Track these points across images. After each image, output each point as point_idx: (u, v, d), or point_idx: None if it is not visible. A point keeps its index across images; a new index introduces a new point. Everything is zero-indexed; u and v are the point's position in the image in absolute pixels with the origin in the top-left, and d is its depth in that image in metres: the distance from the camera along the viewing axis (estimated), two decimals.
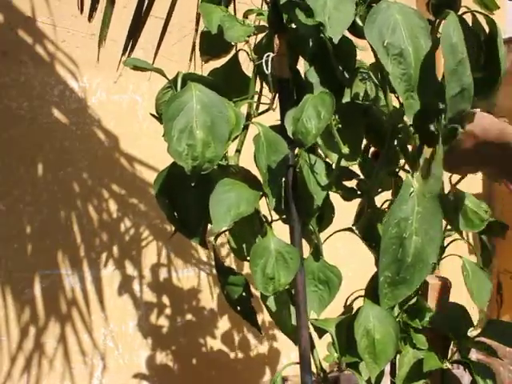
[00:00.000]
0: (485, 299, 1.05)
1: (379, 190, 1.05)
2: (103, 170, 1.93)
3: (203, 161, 0.86)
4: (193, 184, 0.87)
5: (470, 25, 1.00)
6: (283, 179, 0.93)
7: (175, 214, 0.98)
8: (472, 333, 1.06)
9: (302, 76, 0.99)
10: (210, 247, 1.14)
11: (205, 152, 0.86)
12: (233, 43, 1.05)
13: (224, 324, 2.06)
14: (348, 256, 1.84)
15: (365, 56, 1.01)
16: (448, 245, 1.07)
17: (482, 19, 1.00)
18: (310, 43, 0.95)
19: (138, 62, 0.93)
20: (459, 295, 1.10)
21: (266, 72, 0.96)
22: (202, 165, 0.86)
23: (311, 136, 0.86)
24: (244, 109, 1.01)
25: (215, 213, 0.87)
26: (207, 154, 0.86)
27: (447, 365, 0.98)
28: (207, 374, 2.03)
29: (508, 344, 0.98)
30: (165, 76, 0.94)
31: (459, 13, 0.98)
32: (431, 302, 1.03)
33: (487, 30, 1.00)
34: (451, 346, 1.05)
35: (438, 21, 0.97)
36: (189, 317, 2.03)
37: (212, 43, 1.04)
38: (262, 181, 0.93)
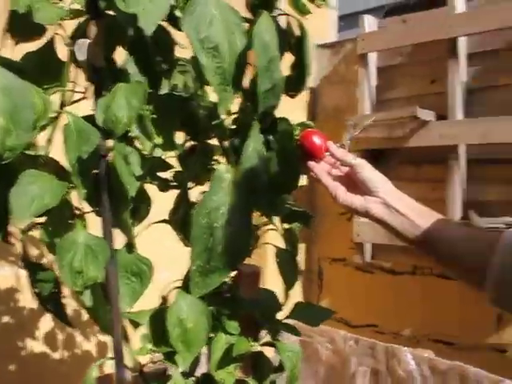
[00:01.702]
0: (293, 283, 1.13)
1: (194, 183, 1.07)
2: None
3: (3, 149, 0.80)
4: None
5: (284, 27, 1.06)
6: (94, 170, 0.90)
7: None
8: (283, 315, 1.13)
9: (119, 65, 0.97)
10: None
11: (5, 140, 0.80)
12: (46, 26, 0.99)
13: (46, 324, 1.95)
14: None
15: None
16: (260, 234, 1.13)
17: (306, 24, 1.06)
18: (129, 32, 0.93)
19: None
20: (272, 281, 1.16)
21: (79, 59, 0.93)
22: (1, 154, 0.80)
23: (122, 125, 0.85)
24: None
25: (15, 206, 0.81)
26: (8, 142, 0.80)
27: (257, 347, 1.03)
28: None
29: (312, 324, 1.07)
30: None
31: (275, 14, 1.04)
32: (243, 289, 1.08)
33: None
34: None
35: (255, 20, 1.01)
36: (6, 319, 1.88)
37: (22, 24, 0.97)
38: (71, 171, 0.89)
